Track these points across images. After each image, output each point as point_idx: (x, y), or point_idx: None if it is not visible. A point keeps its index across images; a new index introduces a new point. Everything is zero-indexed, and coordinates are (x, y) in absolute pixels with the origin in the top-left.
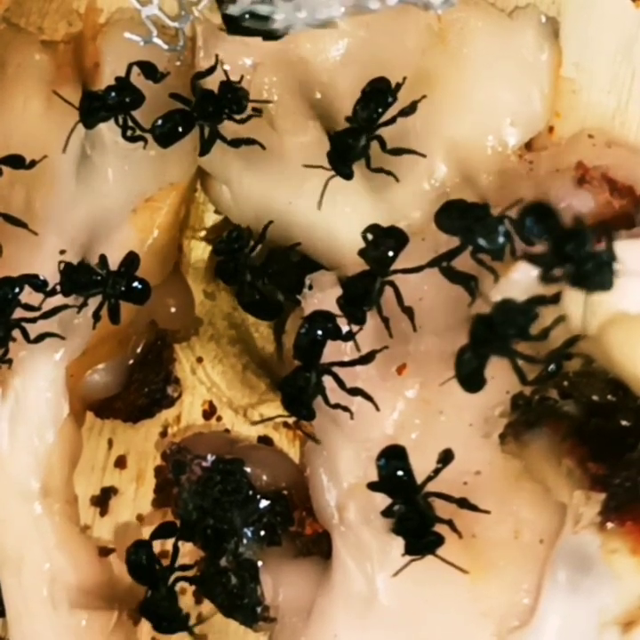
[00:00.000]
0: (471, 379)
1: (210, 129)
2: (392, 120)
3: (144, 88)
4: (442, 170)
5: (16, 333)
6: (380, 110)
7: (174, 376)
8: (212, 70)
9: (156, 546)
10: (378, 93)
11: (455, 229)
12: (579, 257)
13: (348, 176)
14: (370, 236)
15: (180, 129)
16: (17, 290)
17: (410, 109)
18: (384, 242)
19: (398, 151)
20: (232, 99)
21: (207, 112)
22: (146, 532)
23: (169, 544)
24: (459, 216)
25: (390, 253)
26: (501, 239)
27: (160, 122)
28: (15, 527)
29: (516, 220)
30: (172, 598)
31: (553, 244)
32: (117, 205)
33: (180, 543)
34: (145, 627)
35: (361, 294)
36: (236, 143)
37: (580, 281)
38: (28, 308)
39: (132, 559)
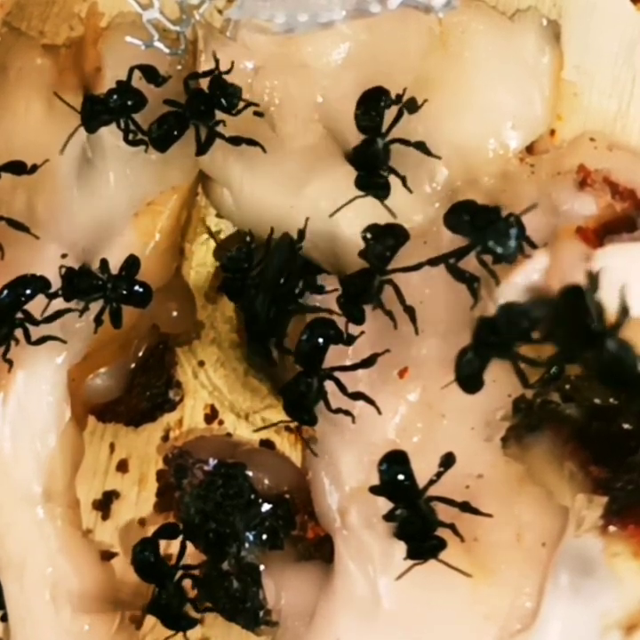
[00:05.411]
0: (470, 380)
1: (208, 128)
2: (398, 117)
3: (146, 92)
4: (443, 173)
5: (19, 335)
6: (378, 112)
7: (176, 380)
8: (207, 73)
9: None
10: (370, 98)
11: (465, 230)
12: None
13: (384, 189)
14: (369, 236)
15: (176, 132)
16: (30, 291)
17: (407, 104)
18: (384, 239)
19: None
20: (222, 95)
21: (199, 111)
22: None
23: (171, 546)
24: (469, 218)
25: (388, 252)
26: (512, 243)
27: (155, 126)
28: (17, 532)
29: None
30: (181, 595)
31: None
32: (119, 209)
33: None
34: (147, 630)
35: (359, 292)
36: (236, 141)
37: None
38: (26, 312)
39: (138, 557)
